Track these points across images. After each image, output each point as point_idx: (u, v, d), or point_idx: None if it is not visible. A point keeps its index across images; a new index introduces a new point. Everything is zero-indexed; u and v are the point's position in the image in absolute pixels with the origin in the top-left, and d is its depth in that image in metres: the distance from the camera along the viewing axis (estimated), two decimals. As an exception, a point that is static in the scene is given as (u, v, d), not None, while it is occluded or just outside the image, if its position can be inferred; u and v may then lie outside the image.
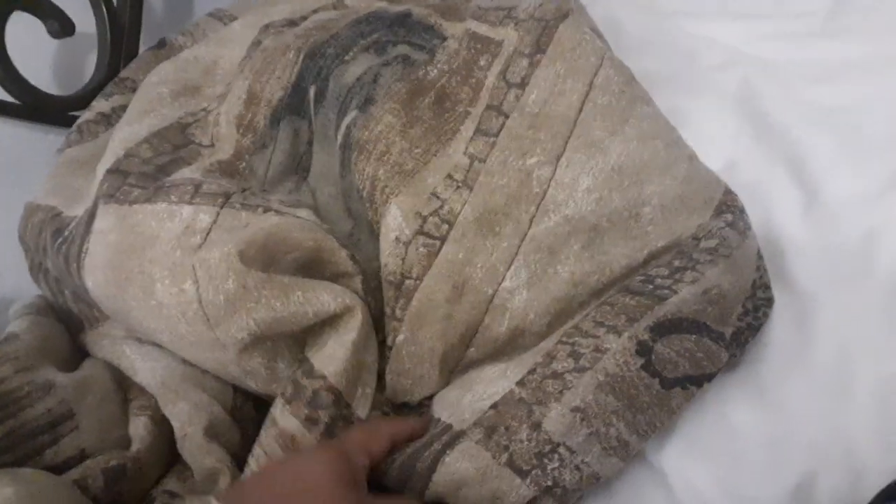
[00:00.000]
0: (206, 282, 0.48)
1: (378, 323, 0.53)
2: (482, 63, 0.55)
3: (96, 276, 0.53)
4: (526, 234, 0.49)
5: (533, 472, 0.42)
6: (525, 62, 0.54)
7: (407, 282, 0.50)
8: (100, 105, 0.72)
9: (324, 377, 0.47)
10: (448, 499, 0.44)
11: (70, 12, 0.74)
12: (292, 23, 0.67)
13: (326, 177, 0.59)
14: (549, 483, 0.42)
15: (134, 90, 0.74)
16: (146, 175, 0.56)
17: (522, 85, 0.53)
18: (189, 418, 0.49)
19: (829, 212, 0.48)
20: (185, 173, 0.56)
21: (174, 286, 0.49)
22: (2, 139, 0.73)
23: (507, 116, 0.52)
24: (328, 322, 0.50)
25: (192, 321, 0.48)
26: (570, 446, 0.42)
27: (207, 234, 0.50)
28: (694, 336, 0.44)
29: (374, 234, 0.54)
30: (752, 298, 0.47)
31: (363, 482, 0.42)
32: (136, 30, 0.81)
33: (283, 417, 0.47)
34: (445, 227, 0.50)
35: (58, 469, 0.46)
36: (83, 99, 0.75)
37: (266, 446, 0.47)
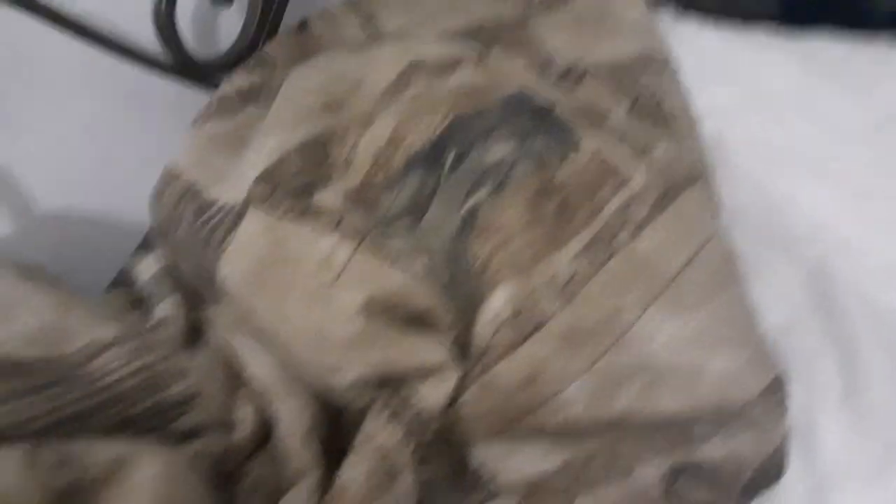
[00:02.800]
0: (330, 317, 0.56)
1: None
2: (606, 190, 0.60)
3: (234, 270, 0.60)
4: (600, 359, 0.57)
5: None
6: (645, 210, 0.59)
7: (489, 355, 0.58)
8: (240, 80, 0.76)
9: (422, 409, 0.57)
10: None
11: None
12: (441, 68, 0.71)
13: (437, 231, 0.64)
14: None
15: (274, 67, 0.79)
16: (294, 190, 0.62)
17: (638, 229, 0.59)
18: (298, 415, 0.58)
19: (866, 407, 0.56)
20: (329, 196, 0.62)
21: (303, 309, 0.57)
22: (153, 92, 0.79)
23: (615, 251, 0.58)
24: (429, 371, 0.58)
25: (308, 342, 0.57)
26: None
27: (341, 272, 0.58)
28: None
29: (469, 301, 0.61)
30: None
31: None
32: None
33: (381, 432, 0.56)
34: (535, 323, 0.58)
35: (174, 440, 0.54)
36: (224, 64, 0.79)
37: (363, 455, 0.55)
